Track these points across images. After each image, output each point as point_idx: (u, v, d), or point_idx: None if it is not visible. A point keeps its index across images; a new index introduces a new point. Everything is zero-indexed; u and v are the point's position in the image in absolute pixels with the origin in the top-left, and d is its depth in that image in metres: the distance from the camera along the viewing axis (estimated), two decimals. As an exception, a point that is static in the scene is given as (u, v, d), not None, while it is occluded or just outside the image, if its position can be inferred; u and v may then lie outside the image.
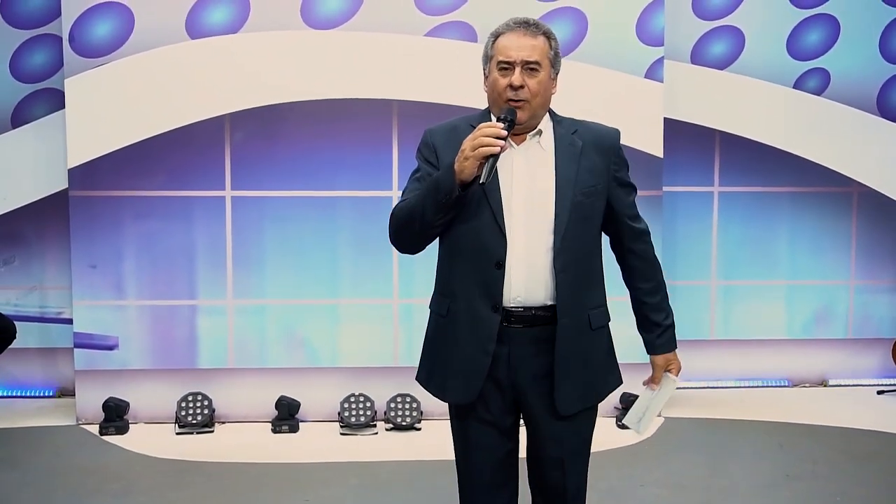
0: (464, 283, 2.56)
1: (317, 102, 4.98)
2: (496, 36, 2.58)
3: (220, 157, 5.01)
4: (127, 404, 4.98)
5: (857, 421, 5.05)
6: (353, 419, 4.95)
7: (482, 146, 2.39)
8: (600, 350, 2.67)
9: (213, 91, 4.93)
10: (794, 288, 5.71)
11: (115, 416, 4.90)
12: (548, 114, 2.62)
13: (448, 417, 2.72)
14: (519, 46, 2.52)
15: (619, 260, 2.76)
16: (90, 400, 4.98)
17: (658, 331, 2.74)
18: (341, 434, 4.93)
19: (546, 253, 2.53)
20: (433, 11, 4.96)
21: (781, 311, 5.72)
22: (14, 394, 5.39)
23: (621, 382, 2.74)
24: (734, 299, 5.69)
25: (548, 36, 2.57)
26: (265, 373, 5.10)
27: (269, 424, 4.99)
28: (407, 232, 2.57)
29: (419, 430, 4.95)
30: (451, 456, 2.73)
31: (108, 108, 4.90)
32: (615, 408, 5.01)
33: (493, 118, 2.57)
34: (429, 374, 2.69)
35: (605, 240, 2.72)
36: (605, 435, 4.74)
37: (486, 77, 2.61)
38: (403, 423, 4.96)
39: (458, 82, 4.75)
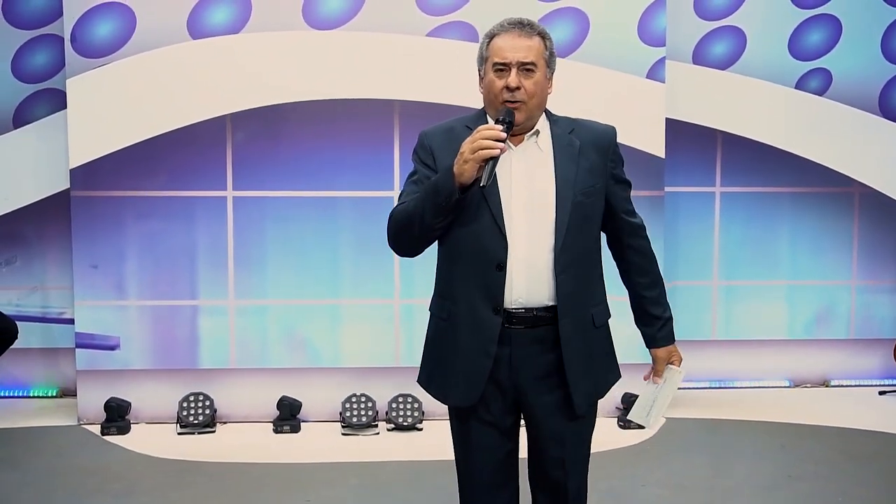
0: (464, 285, 2.56)
1: (318, 102, 4.98)
2: (491, 37, 2.57)
3: (221, 157, 5.01)
4: (128, 404, 4.99)
5: (859, 421, 5.04)
6: (354, 419, 4.95)
7: (482, 149, 2.38)
8: (602, 347, 2.68)
9: (215, 91, 4.93)
10: (796, 288, 5.71)
11: (117, 416, 4.90)
12: (544, 113, 2.62)
13: (448, 418, 2.73)
14: (514, 47, 2.52)
15: (617, 256, 2.76)
16: (92, 400, 4.98)
17: (658, 324, 2.75)
18: (343, 434, 4.93)
19: (547, 254, 2.53)
20: (434, 11, 4.96)
21: (783, 311, 5.72)
22: (16, 394, 5.39)
23: (620, 377, 2.74)
24: (735, 299, 5.69)
25: (542, 36, 2.57)
26: (267, 373, 5.10)
27: (271, 424, 4.99)
28: (406, 235, 2.57)
29: (421, 430, 4.95)
30: (453, 456, 2.73)
31: (110, 108, 4.90)
32: (616, 408, 5.01)
33: (490, 119, 2.57)
34: (430, 377, 2.69)
35: (603, 237, 2.72)
36: (607, 435, 4.75)
37: (481, 78, 2.61)
38: (405, 424, 4.96)
39: (460, 82, 4.72)
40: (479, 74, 2.62)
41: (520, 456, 2.71)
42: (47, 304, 5.37)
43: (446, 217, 2.48)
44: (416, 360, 2.74)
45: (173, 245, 5.03)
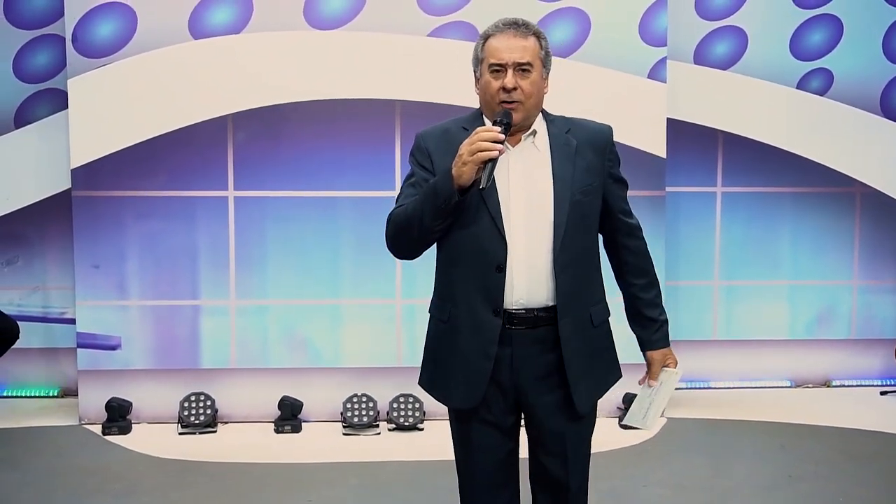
0: (465, 287, 2.56)
1: (319, 103, 4.98)
2: (486, 38, 2.57)
3: (222, 157, 5.01)
4: (130, 404, 4.99)
5: (860, 422, 5.04)
6: (355, 419, 4.95)
7: (480, 151, 2.38)
8: (602, 346, 2.68)
9: (216, 91, 4.93)
10: (797, 288, 5.71)
11: (118, 416, 4.91)
12: (540, 113, 2.61)
13: (448, 419, 2.73)
14: (510, 48, 2.51)
15: (612, 256, 2.75)
16: (93, 400, 4.98)
17: (654, 326, 2.73)
18: (344, 434, 4.93)
19: (546, 254, 2.53)
20: (436, 11, 4.96)
21: (784, 311, 5.72)
22: (17, 394, 5.39)
23: (621, 376, 2.74)
24: (737, 299, 5.68)
25: (538, 36, 2.57)
26: (268, 373, 5.10)
27: (272, 424, 4.99)
28: (405, 238, 2.57)
29: (422, 430, 4.95)
30: (454, 456, 2.73)
31: (111, 108, 4.91)
32: (618, 408, 5.01)
33: (486, 120, 2.57)
34: (431, 380, 2.69)
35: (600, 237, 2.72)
36: (608, 435, 4.74)
37: (477, 79, 2.60)
38: (406, 424, 4.96)
39: (461, 82, 4.69)
40: (475, 75, 2.61)
41: (520, 456, 2.71)
42: (48, 304, 5.37)
43: (445, 219, 2.48)
44: (418, 360, 2.74)
45: (174, 245, 5.04)
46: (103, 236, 5.00)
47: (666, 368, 2.73)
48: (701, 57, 5.47)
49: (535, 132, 2.58)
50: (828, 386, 5.74)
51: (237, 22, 4.92)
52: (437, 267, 2.65)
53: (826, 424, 5.02)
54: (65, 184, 5.10)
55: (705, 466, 4.45)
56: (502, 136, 2.41)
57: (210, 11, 4.91)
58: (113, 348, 5.03)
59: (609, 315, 2.69)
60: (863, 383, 5.72)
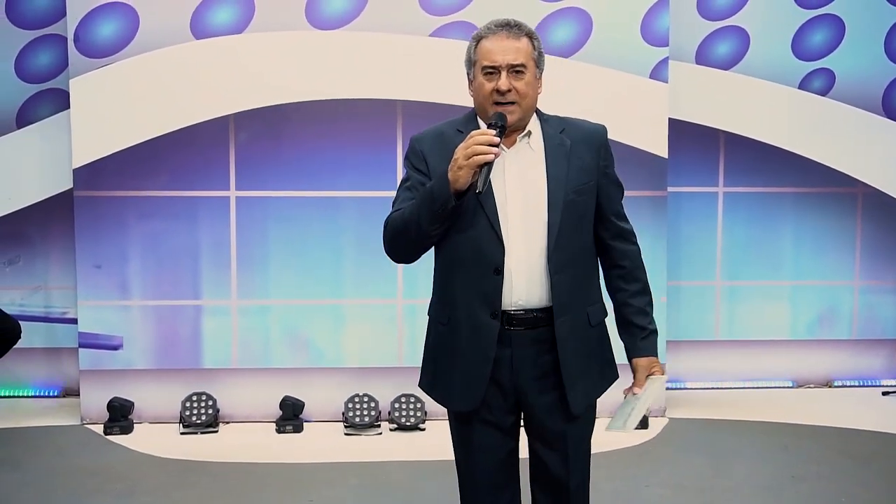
0: (463, 290, 2.56)
1: (321, 103, 4.98)
2: (478, 39, 2.56)
3: (224, 157, 5.01)
4: (131, 404, 4.99)
5: (862, 422, 5.04)
6: (357, 419, 4.96)
7: (476, 154, 2.37)
8: (599, 346, 2.67)
9: (218, 91, 4.93)
10: (799, 288, 5.71)
11: (120, 415, 4.91)
12: (535, 113, 2.61)
13: (448, 420, 2.73)
14: (503, 50, 2.51)
15: (604, 260, 2.71)
16: (95, 400, 4.98)
17: (642, 333, 2.67)
18: (345, 434, 4.93)
19: (543, 254, 2.53)
20: (437, 11, 4.96)
21: (786, 311, 5.72)
22: (19, 393, 5.40)
23: (618, 377, 2.73)
24: (739, 300, 5.68)
25: (530, 36, 2.56)
26: (269, 373, 5.10)
27: (274, 424, 4.99)
28: (402, 242, 2.57)
29: (423, 430, 4.95)
30: (454, 457, 2.73)
31: (113, 108, 4.91)
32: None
33: (481, 122, 2.57)
34: (431, 382, 2.70)
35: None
36: (610, 436, 4.72)
37: (470, 81, 2.60)
38: (407, 424, 4.96)
39: (463, 83, 4.69)
40: (468, 77, 2.61)
41: (521, 456, 2.71)
42: (50, 304, 5.37)
43: (443, 224, 2.47)
44: (419, 360, 2.74)
45: (176, 245, 5.04)
46: (105, 236, 5.00)
47: (651, 377, 2.67)
48: (703, 57, 5.47)
49: (529, 133, 2.58)
50: (829, 386, 5.74)
51: (239, 22, 4.93)
52: (435, 270, 2.66)
53: (827, 425, 5.02)
54: (67, 184, 5.10)
55: (707, 467, 4.45)
56: (497, 140, 2.41)
57: (212, 11, 4.91)
58: (115, 348, 5.03)
59: (606, 315, 2.69)
60: (864, 384, 5.72)
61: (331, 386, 5.08)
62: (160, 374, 5.06)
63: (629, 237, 2.69)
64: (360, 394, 5.01)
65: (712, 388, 5.65)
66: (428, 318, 2.70)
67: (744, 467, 4.43)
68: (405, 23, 4.95)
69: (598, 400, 2.73)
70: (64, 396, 5.39)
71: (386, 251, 2.63)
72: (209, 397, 4.97)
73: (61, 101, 5.14)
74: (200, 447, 4.70)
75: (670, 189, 5.23)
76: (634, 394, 2.66)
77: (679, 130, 5.31)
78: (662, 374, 2.69)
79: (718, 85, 5.48)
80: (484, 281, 2.52)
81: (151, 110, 4.92)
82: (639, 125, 4.99)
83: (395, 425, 4.97)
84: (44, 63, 5.21)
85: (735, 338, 5.69)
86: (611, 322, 2.70)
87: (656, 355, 2.69)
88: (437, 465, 4.32)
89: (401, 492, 4.17)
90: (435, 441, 4.76)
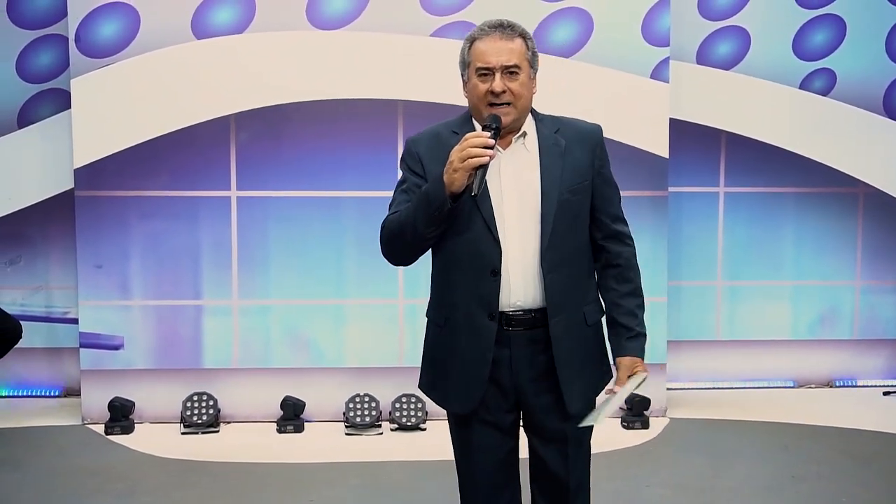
0: (460, 293, 2.56)
1: (322, 103, 4.98)
2: (472, 41, 2.57)
3: (225, 157, 5.01)
4: (132, 404, 4.99)
5: (863, 422, 5.03)
6: (358, 419, 4.96)
7: (471, 157, 2.37)
8: (596, 345, 2.67)
9: (219, 91, 4.93)
10: (800, 288, 5.70)
11: (121, 415, 4.91)
12: (530, 113, 2.61)
13: (448, 421, 2.73)
14: (497, 51, 2.51)
15: (597, 260, 2.68)
16: (96, 399, 4.99)
17: (628, 334, 2.64)
18: (346, 434, 4.93)
19: (538, 254, 2.53)
20: (438, 11, 4.96)
21: (787, 311, 5.71)
22: (20, 393, 5.40)
23: (612, 375, 2.72)
24: (740, 300, 5.68)
25: (524, 36, 2.56)
26: (270, 373, 5.10)
27: (275, 424, 4.99)
28: (399, 245, 2.57)
29: (424, 430, 4.95)
30: (454, 458, 2.73)
31: (114, 108, 4.91)
32: (620, 408, 5.01)
33: (476, 123, 2.56)
34: (430, 383, 2.71)
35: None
36: (611, 436, 4.75)
37: (464, 83, 2.60)
38: (408, 424, 4.96)
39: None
40: (463, 79, 2.61)
41: (520, 456, 2.72)
42: (51, 304, 5.38)
43: (439, 226, 2.47)
44: (420, 360, 2.75)
45: (177, 245, 5.04)
46: (106, 236, 5.00)
47: (633, 376, 2.62)
48: (704, 57, 5.47)
49: (525, 134, 2.58)
50: (830, 386, 5.73)
51: (240, 22, 4.93)
52: (432, 272, 2.66)
53: (828, 425, 5.01)
54: (68, 184, 5.10)
55: (708, 467, 4.45)
56: (492, 142, 2.41)
57: (213, 11, 4.91)
58: (115, 348, 5.03)
59: (603, 315, 2.68)
60: (865, 384, 5.72)
61: (332, 386, 5.08)
62: (161, 374, 5.06)
63: (624, 238, 2.67)
64: (361, 394, 5.01)
65: (713, 388, 5.65)
66: (426, 319, 2.70)
67: (744, 467, 4.43)
68: (406, 23, 4.95)
69: (597, 399, 2.72)
70: (65, 396, 5.39)
71: (383, 254, 2.63)
72: (210, 397, 4.97)
73: (62, 101, 5.14)
74: (201, 447, 4.70)
75: (671, 189, 5.22)
76: (614, 392, 2.61)
77: (680, 130, 5.31)
78: (645, 373, 2.63)
79: (719, 85, 5.48)
80: (481, 283, 2.52)
81: (152, 110, 4.92)
82: (639, 125, 4.99)
83: (396, 425, 4.97)
84: (45, 63, 5.21)
85: (736, 338, 5.69)
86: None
87: (641, 357, 2.64)
88: (437, 466, 4.32)
89: (401, 492, 4.17)
90: (436, 441, 4.76)
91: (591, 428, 2.71)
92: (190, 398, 4.96)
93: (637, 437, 4.81)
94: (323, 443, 4.81)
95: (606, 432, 4.74)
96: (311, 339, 5.13)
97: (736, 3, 5.46)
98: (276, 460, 4.54)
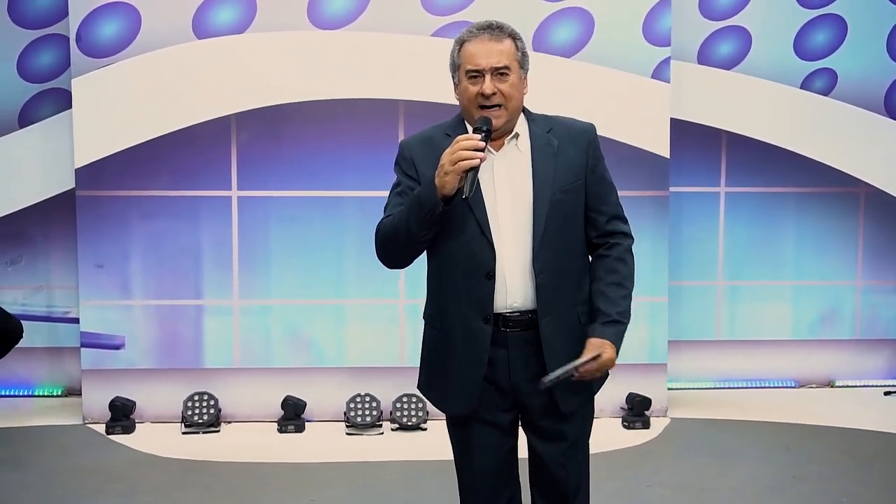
0: (455, 295, 2.56)
1: (323, 102, 4.98)
2: (461, 43, 2.55)
3: (226, 157, 5.01)
4: (133, 404, 4.99)
5: (864, 422, 5.03)
6: (358, 419, 4.96)
7: (461, 160, 2.37)
8: None
9: (220, 91, 4.93)
10: (801, 288, 5.70)
11: (122, 415, 4.91)
12: (522, 113, 2.60)
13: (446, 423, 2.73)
14: (487, 53, 2.50)
15: (592, 257, 2.65)
16: (97, 399, 4.99)
17: (605, 318, 2.55)
18: (347, 434, 4.93)
19: (530, 255, 2.52)
20: (439, 11, 4.96)
21: (788, 311, 5.71)
22: (21, 393, 5.40)
23: (608, 375, 2.69)
24: (740, 300, 5.68)
25: (513, 37, 2.55)
26: (271, 373, 5.10)
27: (275, 424, 4.99)
28: (393, 247, 2.57)
29: (425, 430, 4.95)
30: (454, 459, 2.73)
31: (115, 108, 4.91)
32: (621, 408, 5.01)
33: (468, 126, 2.56)
34: (428, 385, 2.71)
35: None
36: (612, 436, 4.74)
37: (455, 85, 2.59)
38: (409, 423, 4.96)
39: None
40: (453, 81, 2.60)
41: (520, 456, 2.72)
42: (52, 304, 5.38)
43: (431, 229, 2.47)
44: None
45: (178, 245, 5.04)
46: (107, 236, 5.00)
47: (597, 358, 2.50)
48: (705, 57, 5.47)
49: (517, 135, 2.57)
50: (831, 386, 5.73)
51: (241, 22, 4.93)
52: (427, 274, 2.66)
53: (829, 425, 5.01)
54: (68, 183, 5.10)
55: (709, 467, 4.45)
56: (483, 144, 2.40)
57: (213, 11, 4.91)
58: (116, 348, 5.03)
59: None
60: (866, 383, 5.72)
61: (332, 386, 5.08)
62: (162, 374, 5.06)
63: (619, 235, 2.64)
64: (362, 393, 5.01)
65: (714, 388, 5.65)
66: (423, 321, 2.70)
67: (745, 467, 4.43)
68: (407, 23, 4.95)
69: (595, 399, 2.72)
70: (66, 396, 5.39)
71: (378, 257, 2.63)
72: (211, 397, 4.97)
73: (63, 100, 5.14)
74: (202, 447, 4.70)
75: (672, 189, 5.22)
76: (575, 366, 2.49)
77: (681, 130, 5.31)
78: (611, 361, 2.51)
79: (720, 85, 5.47)
80: (476, 286, 2.52)
81: (153, 110, 4.92)
82: (640, 125, 4.99)
83: (397, 425, 4.97)
84: (46, 63, 5.21)
85: (737, 338, 5.69)
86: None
87: (612, 342, 2.52)
88: (438, 465, 4.32)
89: (402, 492, 4.17)
90: (436, 441, 4.74)
91: (589, 428, 2.71)
92: (191, 398, 4.96)
93: (638, 436, 4.81)
94: (324, 443, 4.81)
95: (608, 432, 4.74)
96: (311, 339, 5.14)
97: (737, 3, 5.46)
98: (276, 460, 4.54)
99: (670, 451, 4.65)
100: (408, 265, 2.63)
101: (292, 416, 4.98)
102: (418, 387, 2.74)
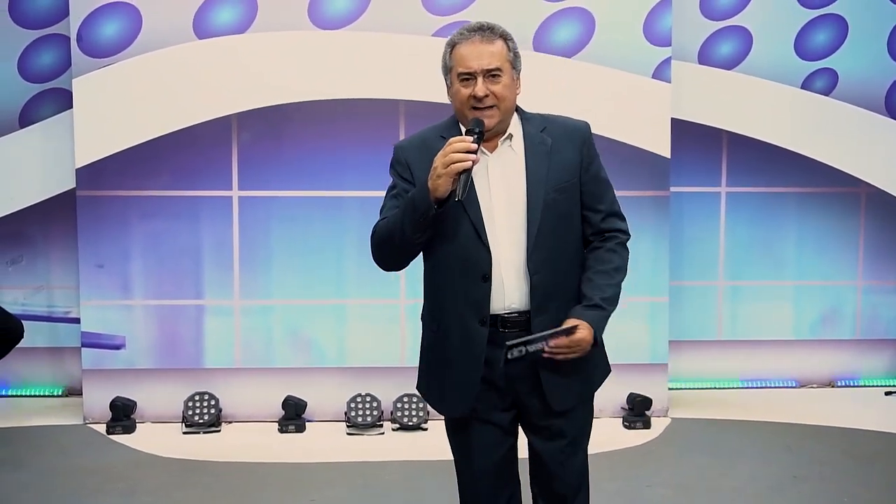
0: (451, 298, 2.56)
1: (324, 102, 4.98)
2: (452, 46, 2.55)
3: (226, 156, 5.01)
4: (134, 403, 4.99)
5: (865, 422, 5.03)
6: (359, 419, 4.96)
7: (454, 162, 2.37)
8: None
9: (220, 91, 4.93)
10: (802, 288, 5.70)
11: (122, 415, 4.91)
12: (516, 113, 2.60)
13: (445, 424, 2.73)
14: (478, 55, 2.49)
15: (586, 254, 2.63)
16: (97, 399, 4.99)
17: (587, 302, 2.53)
18: (348, 434, 4.93)
19: (525, 255, 2.52)
20: (440, 11, 4.96)
21: (789, 311, 5.71)
22: (22, 393, 5.40)
23: (609, 372, 2.70)
24: (741, 300, 5.68)
25: (505, 38, 2.54)
26: (272, 373, 5.10)
27: (276, 424, 4.99)
28: (388, 250, 2.58)
29: (425, 430, 4.95)
30: (453, 460, 2.73)
31: (116, 107, 4.91)
32: (622, 408, 5.01)
33: (462, 128, 2.56)
34: (427, 387, 2.72)
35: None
36: (612, 436, 4.74)
37: (448, 87, 2.59)
38: (410, 423, 4.96)
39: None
40: (446, 83, 2.60)
41: (520, 456, 2.72)
42: (53, 304, 5.38)
43: (426, 231, 2.47)
44: (420, 361, 2.75)
45: (179, 245, 5.04)
46: (107, 236, 5.00)
47: (571, 335, 2.47)
48: (705, 57, 5.47)
49: (511, 136, 2.57)
50: (832, 386, 5.73)
51: (241, 22, 4.93)
52: (424, 277, 2.66)
53: (830, 425, 5.01)
54: (69, 183, 5.10)
55: (709, 467, 4.45)
56: (475, 146, 2.40)
57: (214, 11, 4.91)
58: (117, 348, 5.03)
59: None
60: (867, 384, 5.71)
61: (333, 386, 5.08)
62: (162, 374, 5.06)
63: (614, 234, 2.63)
64: (363, 393, 5.01)
65: (715, 388, 5.65)
66: (421, 323, 2.70)
67: (746, 467, 4.43)
68: (408, 23, 4.95)
69: (596, 399, 2.72)
70: (66, 396, 5.39)
71: (374, 259, 2.64)
72: (211, 397, 4.97)
73: (64, 100, 5.14)
74: (203, 447, 4.70)
75: (673, 189, 5.22)
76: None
77: (681, 130, 5.31)
78: (585, 341, 2.48)
79: (721, 85, 5.47)
80: (472, 289, 2.52)
81: (154, 110, 4.92)
82: (641, 125, 4.99)
83: (398, 425, 4.97)
84: (46, 63, 5.21)
85: (738, 338, 5.68)
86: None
87: (591, 324, 2.49)
88: (439, 465, 4.32)
89: (403, 492, 4.17)
90: (437, 441, 4.71)
91: (588, 427, 2.71)
92: (191, 398, 4.96)
93: (638, 436, 4.81)
94: (324, 443, 4.81)
95: (608, 432, 4.74)
96: (312, 339, 5.13)
97: (737, 3, 5.46)
98: (277, 460, 4.54)
99: (671, 452, 4.65)
100: (404, 267, 2.64)
101: (293, 416, 4.98)
102: (417, 387, 2.75)
